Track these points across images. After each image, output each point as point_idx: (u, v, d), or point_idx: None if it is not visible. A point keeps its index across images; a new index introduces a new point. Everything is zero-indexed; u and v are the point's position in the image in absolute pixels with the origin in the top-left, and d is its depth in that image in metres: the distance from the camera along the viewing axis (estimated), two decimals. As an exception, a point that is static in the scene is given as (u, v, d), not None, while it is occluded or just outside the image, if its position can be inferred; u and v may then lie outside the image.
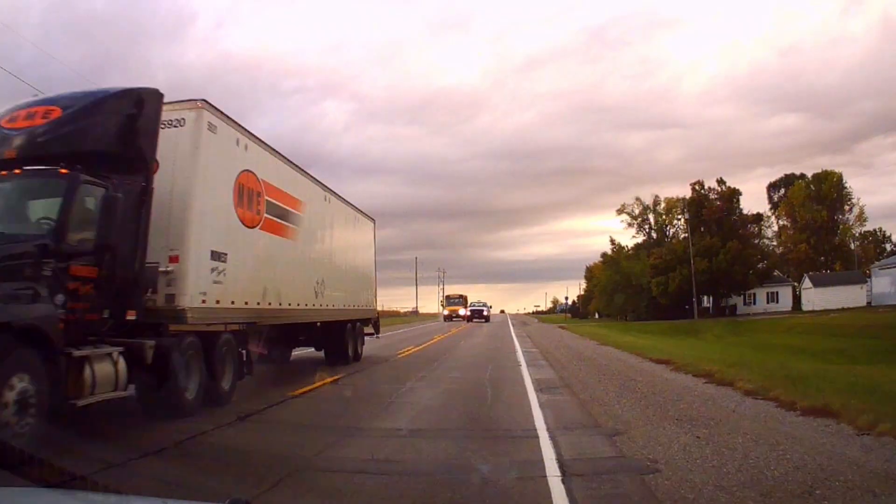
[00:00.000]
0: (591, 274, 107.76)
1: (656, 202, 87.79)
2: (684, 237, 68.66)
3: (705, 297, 69.15)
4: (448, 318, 60.50)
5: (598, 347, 24.73)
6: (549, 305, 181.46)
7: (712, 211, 63.07)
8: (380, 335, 21.95)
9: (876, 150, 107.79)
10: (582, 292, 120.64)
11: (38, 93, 10.99)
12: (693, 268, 59.07)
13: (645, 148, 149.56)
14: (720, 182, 64.58)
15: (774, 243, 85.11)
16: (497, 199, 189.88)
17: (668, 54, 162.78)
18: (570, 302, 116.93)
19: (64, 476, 4.18)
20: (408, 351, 22.46)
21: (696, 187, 64.94)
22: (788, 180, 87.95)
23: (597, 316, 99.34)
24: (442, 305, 66.50)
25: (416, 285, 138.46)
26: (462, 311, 60.68)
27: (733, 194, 64.39)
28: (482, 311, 60.59)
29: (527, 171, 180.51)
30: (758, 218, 66.90)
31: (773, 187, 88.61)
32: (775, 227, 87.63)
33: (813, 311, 61.56)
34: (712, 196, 64.67)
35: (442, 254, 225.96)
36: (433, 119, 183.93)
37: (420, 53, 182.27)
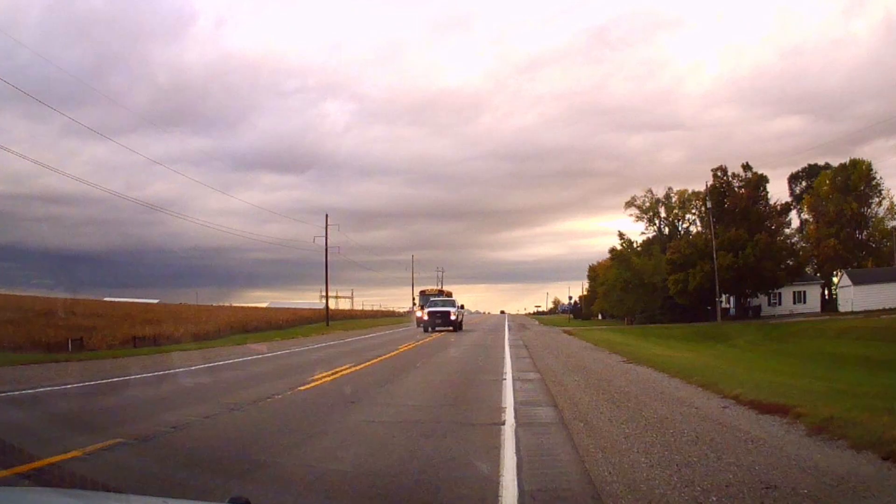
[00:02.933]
0: (594, 273, 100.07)
1: (668, 195, 79.49)
2: (700, 231, 60.41)
3: (723, 298, 60.53)
4: (422, 321, 43.65)
5: (628, 369, 16.16)
6: (551, 306, 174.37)
7: (737, 199, 54.42)
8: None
9: (878, 153, 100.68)
10: (585, 292, 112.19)
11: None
12: (716, 263, 50.45)
13: (647, 149, 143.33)
14: (746, 167, 55.96)
15: (795, 238, 76.41)
16: (498, 200, 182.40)
17: (670, 55, 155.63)
18: (574, 302, 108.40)
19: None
20: (335, 374, 13.98)
21: (718, 173, 56.24)
22: (811, 171, 79.21)
23: (600, 317, 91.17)
24: (415, 304, 50.49)
25: (413, 285, 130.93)
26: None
27: (760, 181, 55.80)
28: (448, 313, 38.44)
29: (528, 172, 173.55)
30: (787, 208, 58.24)
31: (794, 179, 79.81)
32: (796, 222, 79.04)
33: (853, 313, 53.02)
34: (736, 184, 56.10)
35: (443, 254, 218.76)
36: (434, 120, 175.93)
37: (421, 54, 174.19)
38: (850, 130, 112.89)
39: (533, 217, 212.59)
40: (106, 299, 59.74)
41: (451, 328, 37.69)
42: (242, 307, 75.17)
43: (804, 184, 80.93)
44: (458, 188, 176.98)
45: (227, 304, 74.43)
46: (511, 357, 19.26)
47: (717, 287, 51.15)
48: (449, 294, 50.51)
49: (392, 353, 20.33)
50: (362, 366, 16.12)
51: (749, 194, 54.43)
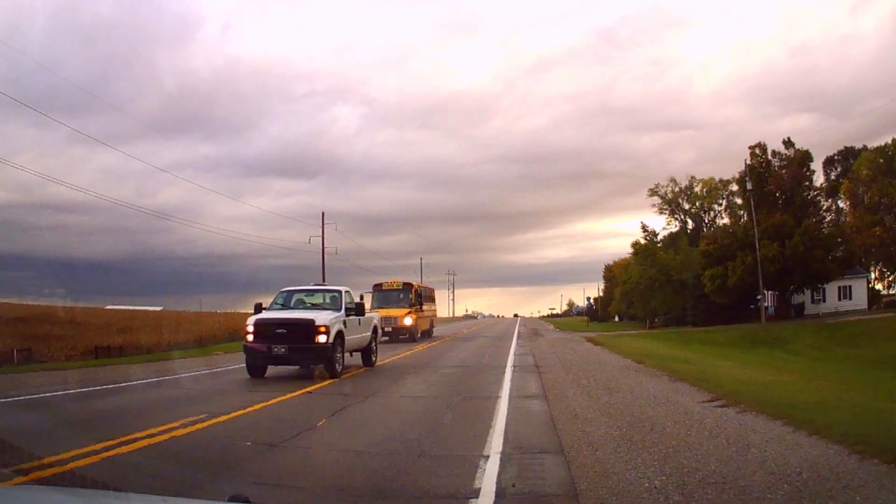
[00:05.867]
0: (610, 273, 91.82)
1: (691, 185, 70.44)
2: (736, 219, 51.86)
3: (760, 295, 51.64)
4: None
5: (746, 429, 7.77)
6: (565, 308, 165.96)
7: (780, 180, 45.64)
8: None
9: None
10: (600, 294, 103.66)
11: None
12: (758, 254, 41.79)
13: (657, 150, 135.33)
14: (787, 143, 47.21)
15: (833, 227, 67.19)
16: (510, 203, 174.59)
17: (679, 55, 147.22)
18: (591, 303, 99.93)
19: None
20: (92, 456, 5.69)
21: (757, 151, 47.41)
22: (848, 154, 69.97)
23: (616, 319, 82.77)
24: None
25: None
26: (407, 321, 27.29)
27: (804, 159, 47.05)
28: (307, 326, 13.44)
29: (539, 175, 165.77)
30: (834, 189, 49.42)
31: (829, 163, 70.42)
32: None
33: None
34: (776, 163, 47.36)
35: (455, 258, 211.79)
36: (444, 123, 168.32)
37: (429, 57, 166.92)
38: (859, 127, 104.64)
39: (545, 219, 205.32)
40: (108, 307, 54.63)
41: (319, 364, 13.63)
42: (242, 314, 69.32)
43: (839, 168, 71.93)
44: (469, 191, 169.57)
45: (232, 311, 69.14)
46: (509, 396, 10.94)
47: (761, 282, 42.44)
48: (429, 290, 34.48)
49: (305, 390, 12.11)
50: (193, 428, 7.88)
51: (793, 174, 45.71)
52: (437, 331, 38.02)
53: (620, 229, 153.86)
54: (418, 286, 30.63)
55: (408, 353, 21.09)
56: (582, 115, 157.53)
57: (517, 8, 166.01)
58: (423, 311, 29.75)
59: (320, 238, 50.73)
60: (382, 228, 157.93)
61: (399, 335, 27.48)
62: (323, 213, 51.04)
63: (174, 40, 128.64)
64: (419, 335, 29.03)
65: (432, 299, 35.56)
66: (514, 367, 16.06)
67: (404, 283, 29.92)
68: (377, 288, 29.99)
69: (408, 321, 27.40)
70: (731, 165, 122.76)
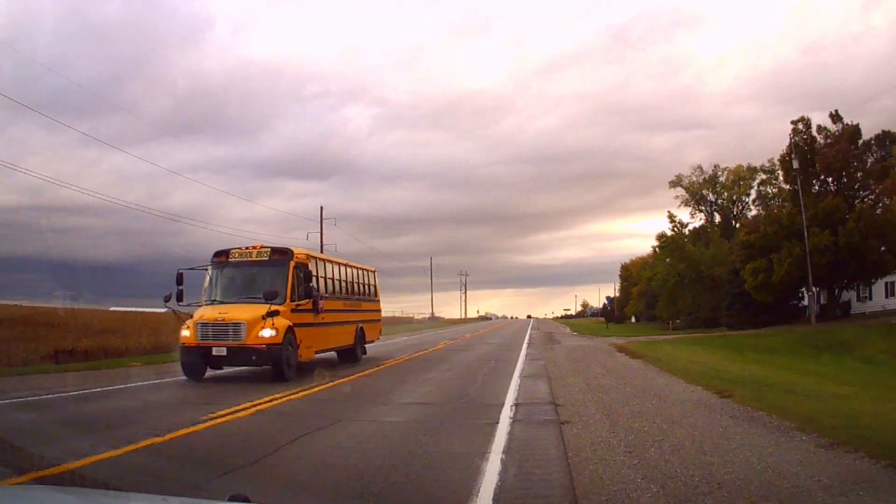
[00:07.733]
0: (627, 273, 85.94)
1: (715, 175, 63.59)
2: (780, 204, 45.19)
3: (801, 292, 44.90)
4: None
5: None
6: (579, 309, 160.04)
7: (826, 160, 38.86)
8: None
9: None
10: (616, 293, 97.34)
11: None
12: (807, 243, 35.18)
13: (670, 150, 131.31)
14: (834, 117, 40.45)
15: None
16: (523, 204, 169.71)
17: (691, 53, 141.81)
18: (609, 303, 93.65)
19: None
20: None
21: (800, 126, 40.60)
22: (885, 138, 62.96)
23: (633, 320, 76.59)
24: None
25: (432, 290, 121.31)
26: (265, 333, 12.31)
27: (854, 135, 40.35)
28: None
29: (552, 175, 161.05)
30: (885, 172, 42.62)
31: (866, 147, 63.33)
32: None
33: None
34: (821, 140, 40.68)
35: (469, 259, 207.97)
36: (457, 124, 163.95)
37: (442, 57, 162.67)
38: (871, 126, 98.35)
39: (558, 220, 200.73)
40: (111, 308, 50.69)
41: None
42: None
43: (876, 154, 64.89)
44: (482, 192, 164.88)
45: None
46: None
47: (810, 276, 35.76)
48: (354, 272, 17.92)
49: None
50: None
51: (842, 151, 38.97)
52: (428, 336, 31.00)
53: (634, 229, 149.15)
54: (306, 256, 14.81)
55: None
56: (594, 115, 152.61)
57: (529, 7, 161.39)
58: (320, 311, 14.61)
59: (319, 235, 45.79)
60: (395, 229, 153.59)
61: (250, 361, 12.90)
62: (322, 208, 46.27)
63: (185, 42, 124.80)
64: (301, 362, 13.61)
65: (366, 291, 19.01)
66: (517, 406, 9.72)
67: (273, 250, 14.26)
68: (218, 260, 14.41)
69: (266, 333, 12.50)
70: (744, 163, 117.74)
